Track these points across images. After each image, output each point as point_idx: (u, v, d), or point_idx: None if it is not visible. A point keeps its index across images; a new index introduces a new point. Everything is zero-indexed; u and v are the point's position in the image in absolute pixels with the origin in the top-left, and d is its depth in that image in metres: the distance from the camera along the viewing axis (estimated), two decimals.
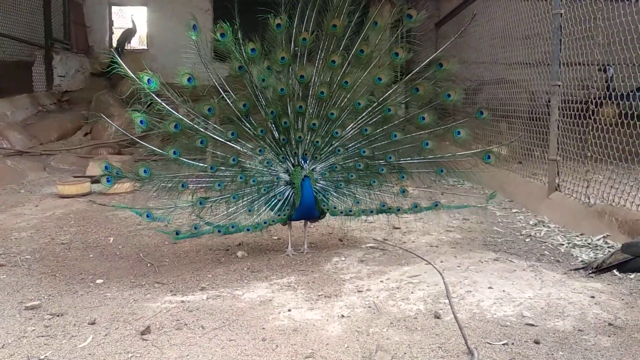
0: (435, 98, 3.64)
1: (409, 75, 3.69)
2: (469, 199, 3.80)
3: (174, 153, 3.58)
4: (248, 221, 3.65)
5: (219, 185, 3.63)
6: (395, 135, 3.70)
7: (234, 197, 3.64)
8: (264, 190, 3.70)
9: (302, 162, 3.61)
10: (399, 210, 3.81)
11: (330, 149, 3.74)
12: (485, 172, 6.61)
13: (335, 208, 3.80)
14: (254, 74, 3.54)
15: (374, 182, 3.80)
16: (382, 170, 3.76)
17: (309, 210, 3.65)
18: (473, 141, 3.68)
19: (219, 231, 3.60)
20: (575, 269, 3.36)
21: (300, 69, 3.59)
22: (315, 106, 3.67)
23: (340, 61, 3.60)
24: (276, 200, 3.71)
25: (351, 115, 3.71)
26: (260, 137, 3.68)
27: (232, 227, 3.61)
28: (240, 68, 3.52)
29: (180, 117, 3.51)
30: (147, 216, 3.54)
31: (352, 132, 3.73)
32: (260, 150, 3.71)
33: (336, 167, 3.77)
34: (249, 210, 3.66)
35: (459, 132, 3.62)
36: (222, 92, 3.60)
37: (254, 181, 3.67)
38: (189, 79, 3.50)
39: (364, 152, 3.73)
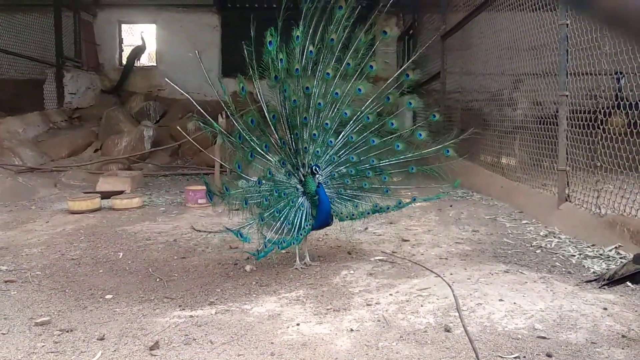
0: (401, 105, 4.01)
1: (384, 86, 3.98)
2: (438, 190, 4.20)
3: (238, 167, 3.74)
4: (290, 235, 3.71)
5: (265, 200, 3.72)
6: (374, 141, 3.94)
7: (277, 212, 3.71)
8: (292, 202, 3.79)
9: (317, 169, 3.68)
10: (388, 208, 4.00)
11: (327, 157, 3.89)
12: (495, 184, 6.60)
13: (341, 213, 3.94)
14: (288, 85, 3.70)
15: (365, 185, 4.00)
16: (369, 173, 3.96)
17: (328, 216, 3.75)
18: (433, 140, 4.06)
19: (279, 247, 3.67)
20: (587, 281, 3.32)
21: (305, 81, 3.75)
22: (314, 117, 3.83)
23: (334, 73, 3.82)
24: (301, 212, 3.78)
25: (340, 125, 3.91)
26: (282, 148, 3.80)
27: (284, 241, 3.67)
28: (276, 78, 3.66)
29: (240, 129, 3.67)
30: (242, 236, 3.64)
31: (342, 140, 3.91)
32: (282, 163, 3.82)
33: (334, 175, 3.93)
34: (289, 224, 3.73)
35: (420, 134, 3.96)
36: (262, 103, 3.77)
37: (284, 194, 3.77)
38: (242, 88, 3.68)
39: (353, 158, 3.92)
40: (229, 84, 3.85)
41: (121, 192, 6.87)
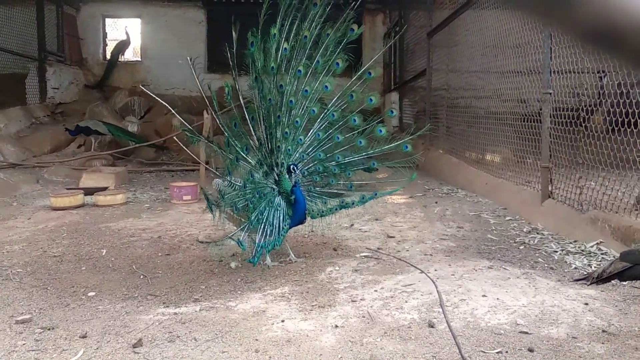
0: (363, 103, 4.02)
1: (348, 84, 3.98)
2: (396, 184, 4.19)
3: (229, 173, 3.76)
4: (272, 237, 3.69)
5: (251, 203, 3.69)
6: (338, 138, 3.96)
7: (260, 214, 3.69)
8: (271, 203, 3.77)
9: (294, 168, 3.66)
10: (353, 203, 4.02)
11: (298, 155, 3.89)
12: (479, 180, 6.65)
13: (312, 211, 3.94)
14: (265, 85, 3.71)
15: (332, 181, 4.02)
16: (336, 170, 3.97)
17: (304, 214, 3.75)
18: (392, 137, 4.17)
19: (266, 250, 3.67)
20: (576, 280, 3.32)
21: (279, 79, 3.76)
22: (286, 115, 3.82)
23: (305, 70, 3.83)
24: (279, 212, 3.77)
25: (308, 123, 3.92)
26: (259, 149, 3.80)
27: (269, 243, 3.65)
28: (256, 79, 3.68)
29: (228, 137, 3.73)
30: (241, 244, 3.58)
31: (311, 138, 3.92)
32: (260, 164, 3.81)
33: (305, 173, 3.92)
34: (270, 225, 3.71)
35: (380, 130, 4.00)
36: (242, 105, 3.80)
37: (264, 195, 3.76)
38: (228, 93, 3.70)
39: (320, 155, 3.93)
40: (214, 80, 3.85)
41: (105, 189, 6.79)
